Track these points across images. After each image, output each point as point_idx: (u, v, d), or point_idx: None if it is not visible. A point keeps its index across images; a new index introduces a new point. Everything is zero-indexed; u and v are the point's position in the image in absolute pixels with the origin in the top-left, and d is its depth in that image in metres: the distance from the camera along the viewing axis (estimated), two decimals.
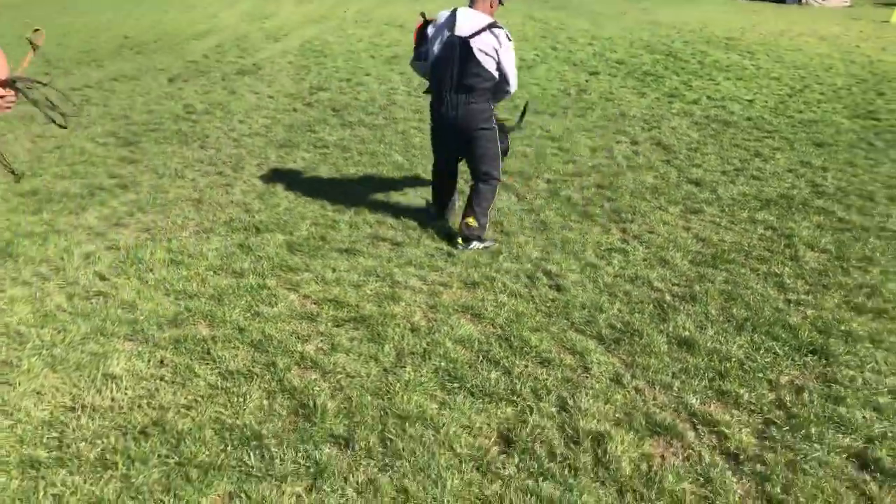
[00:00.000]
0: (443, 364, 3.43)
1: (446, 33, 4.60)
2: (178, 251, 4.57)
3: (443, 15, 4.70)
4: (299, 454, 2.80)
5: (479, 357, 3.53)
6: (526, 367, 3.47)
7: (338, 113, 8.54)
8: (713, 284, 4.37)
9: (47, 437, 2.82)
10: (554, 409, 3.16)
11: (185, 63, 11.41)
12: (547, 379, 3.37)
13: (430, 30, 4.77)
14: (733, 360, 3.56)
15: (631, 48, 14.17)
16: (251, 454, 2.78)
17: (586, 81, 10.85)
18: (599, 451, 2.89)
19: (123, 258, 4.42)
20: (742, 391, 3.32)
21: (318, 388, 3.20)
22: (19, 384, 3.12)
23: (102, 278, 4.17)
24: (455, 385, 3.30)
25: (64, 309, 3.79)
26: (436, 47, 4.68)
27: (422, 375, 3.34)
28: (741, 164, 6.79)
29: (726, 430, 3.05)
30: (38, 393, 3.08)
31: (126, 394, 3.10)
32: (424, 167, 6.50)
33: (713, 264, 4.67)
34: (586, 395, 3.26)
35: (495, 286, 4.28)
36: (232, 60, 11.56)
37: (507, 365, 3.47)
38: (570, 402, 3.20)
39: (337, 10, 20.34)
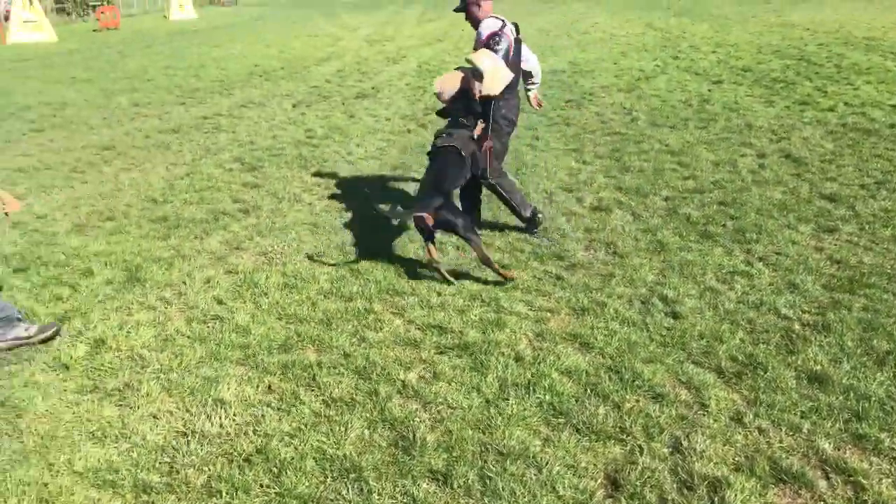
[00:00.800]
0: (548, 397, 3.29)
1: (512, 37, 4.88)
2: (292, 275, 4.69)
3: (498, 23, 4.82)
4: (397, 489, 2.75)
5: (586, 390, 3.36)
6: (637, 402, 3.28)
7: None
8: (850, 312, 3.98)
9: (159, 462, 2.92)
10: (666, 450, 2.95)
11: (309, 88, 11.88)
12: (660, 416, 3.16)
13: (502, 43, 4.76)
14: (873, 399, 3.20)
15: (759, 54, 13.43)
16: (349, 487, 2.76)
17: (709, 91, 10.36)
18: (716, 499, 2.66)
19: (241, 282, 4.58)
20: (883, 436, 2.97)
21: (418, 420, 3.16)
22: (138, 407, 3.27)
23: (220, 302, 4.33)
24: (560, 420, 3.15)
25: (183, 333, 3.96)
26: (512, 52, 4.87)
27: (525, 409, 3.22)
28: (883, 177, 6.21)
29: (863, 481, 2.73)
30: (154, 417, 3.21)
31: (234, 420, 3.18)
32: (536, 185, 6.39)
33: (850, 289, 4.26)
34: (703, 434, 3.03)
35: (606, 313, 4.10)
36: (352, 84, 11.92)
37: (616, 399, 3.28)
38: (685, 442, 2.98)
39: (454, 30, 20.59)
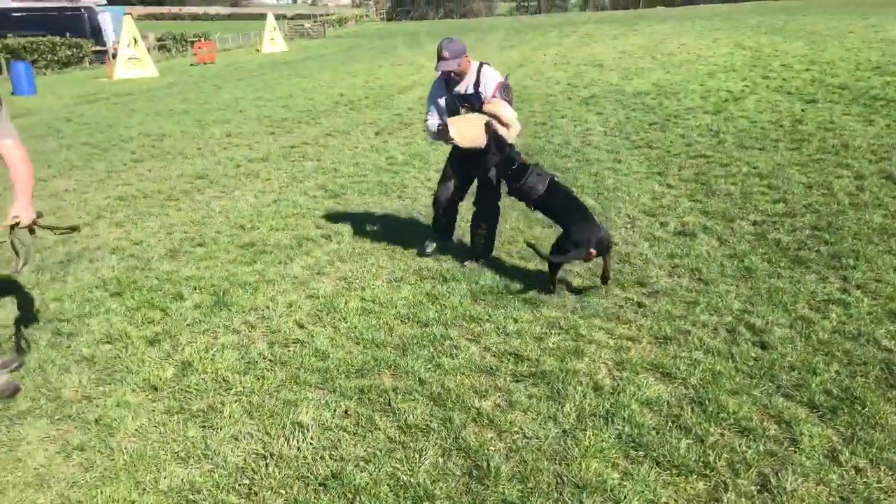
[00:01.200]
0: (627, 429, 3.19)
1: None
2: (370, 300, 4.75)
3: (496, 72, 5.01)
4: None
5: (668, 422, 3.24)
6: (722, 435, 3.13)
7: (530, 158, 8.54)
8: None
9: (239, 484, 2.99)
10: (754, 488, 2.80)
11: (392, 116, 12.12)
12: (746, 451, 3.01)
13: (511, 94, 5.01)
14: None
15: (857, 71, 12.84)
16: None
17: (802, 111, 9.96)
18: None
19: (321, 307, 4.67)
20: None
21: (492, 449, 3.12)
22: (220, 429, 3.36)
23: (301, 326, 4.43)
24: (640, 453, 3.05)
25: (265, 356, 4.06)
26: None
27: (603, 440, 3.13)
28: None
29: None
30: (235, 439, 3.29)
31: (311, 443, 3.22)
32: (617, 210, 6.28)
33: None
34: (793, 472, 2.86)
35: (690, 342, 3.95)
36: None
37: (699, 433, 3.15)
38: (774, 480, 2.82)
39: (535, 55, 20.63)
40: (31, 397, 3.71)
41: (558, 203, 4.78)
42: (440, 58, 4.83)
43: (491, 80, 4.91)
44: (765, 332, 3.98)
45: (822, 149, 7.84)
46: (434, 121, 5.11)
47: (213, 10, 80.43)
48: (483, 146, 4.86)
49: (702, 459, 2.98)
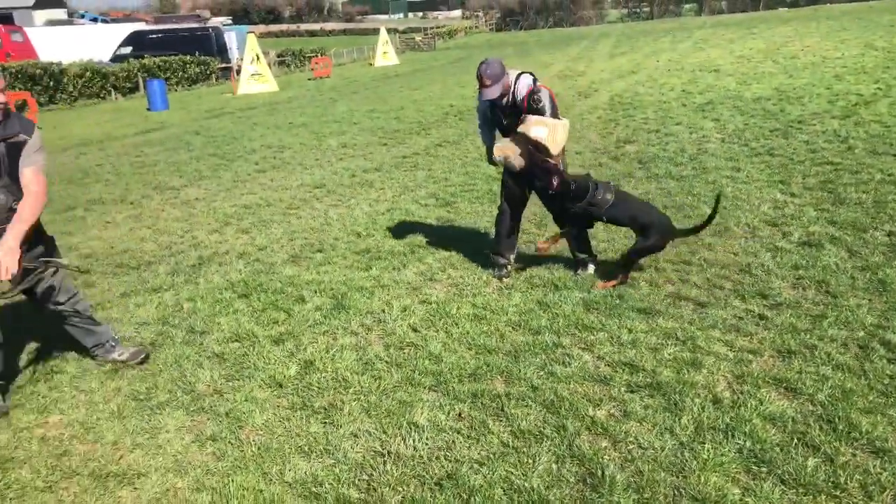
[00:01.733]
0: (748, 444, 3.09)
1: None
2: (481, 306, 4.81)
3: (528, 78, 4.90)
4: None
5: (793, 439, 3.11)
6: (853, 455, 2.98)
7: (644, 165, 8.39)
8: None
9: (358, 479, 3.11)
10: None
11: None
12: (881, 473, 2.85)
13: (544, 99, 4.77)
14: None
15: None
16: None
17: None
18: None
19: (434, 312, 4.78)
20: None
21: (607, 458, 3.09)
22: (341, 426, 3.51)
23: (415, 330, 4.54)
24: (762, 469, 2.94)
25: (381, 358, 4.19)
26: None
27: (723, 454, 3.04)
28: None
29: None
30: (354, 436, 3.42)
31: (426, 444, 3.30)
32: (737, 219, 6.07)
33: None
34: None
35: (817, 356, 3.77)
36: None
37: (828, 451, 3.00)
38: None
39: (648, 61, 20.19)
40: (169, 389, 4.00)
41: (630, 204, 4.90)
42: (482, 84, 4.77)
43: (522, 89, 4.81)
44: None
45: None
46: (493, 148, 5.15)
47: (328, 26, 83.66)
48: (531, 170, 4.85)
49: (831, 479, 2.84)
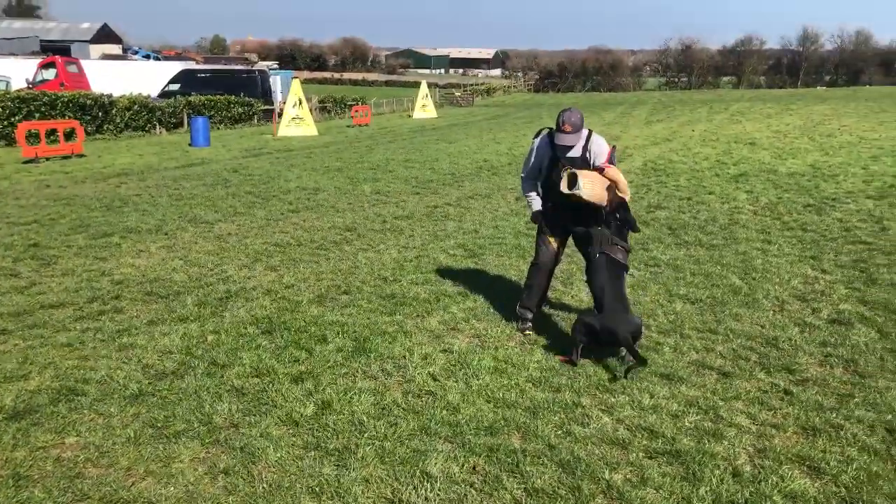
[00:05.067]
0: None
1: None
2: (503, 360, 4.79)
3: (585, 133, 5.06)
4: None
5: None
6: None
7: (674, 232, 8.38)
8: None
9: None
10: None
11: None
12: None
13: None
14: None
15: None
16: None
17: None
18: None
19: (455, 362, 4.77)
20: None
21: None
22: (353, 470, 3.48)
23: (434, 379, 4.53)
24: None
25: (399, 404, 4.18)
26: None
27: None
28: None
29: None
30: (366, 481, 3.40)
31: (438, 494, 3.27)
32: (766, 292, 6.01)
33: None
34: None
35: (842, 436, 3.69)
36: None
37: None
38: None
39: (683, 130, 20.31)
40: (187, 419, 4.01)
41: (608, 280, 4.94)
42: (560, 130, 4.87)
43: (603, 146, 4.98)
44: None
45: None
46: (536, 204, 5.30)
47: (371, 76, 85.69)
48: (604, 204, 4.89)
49: None
